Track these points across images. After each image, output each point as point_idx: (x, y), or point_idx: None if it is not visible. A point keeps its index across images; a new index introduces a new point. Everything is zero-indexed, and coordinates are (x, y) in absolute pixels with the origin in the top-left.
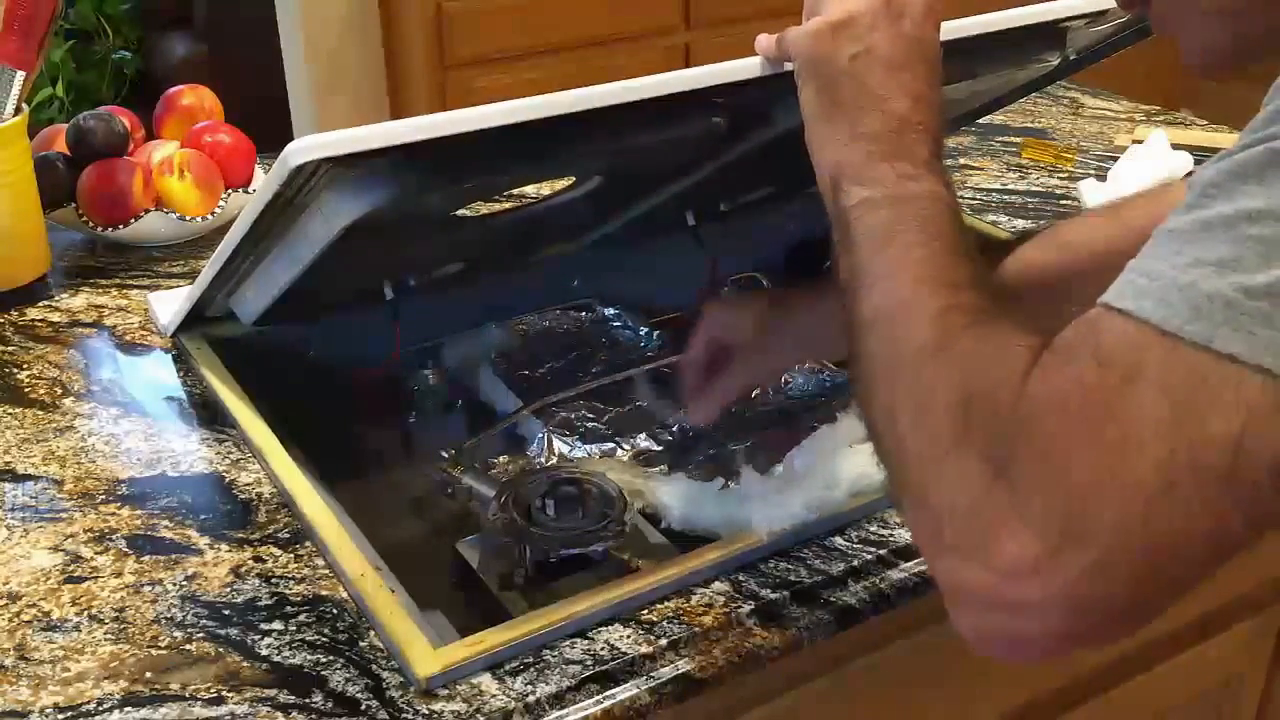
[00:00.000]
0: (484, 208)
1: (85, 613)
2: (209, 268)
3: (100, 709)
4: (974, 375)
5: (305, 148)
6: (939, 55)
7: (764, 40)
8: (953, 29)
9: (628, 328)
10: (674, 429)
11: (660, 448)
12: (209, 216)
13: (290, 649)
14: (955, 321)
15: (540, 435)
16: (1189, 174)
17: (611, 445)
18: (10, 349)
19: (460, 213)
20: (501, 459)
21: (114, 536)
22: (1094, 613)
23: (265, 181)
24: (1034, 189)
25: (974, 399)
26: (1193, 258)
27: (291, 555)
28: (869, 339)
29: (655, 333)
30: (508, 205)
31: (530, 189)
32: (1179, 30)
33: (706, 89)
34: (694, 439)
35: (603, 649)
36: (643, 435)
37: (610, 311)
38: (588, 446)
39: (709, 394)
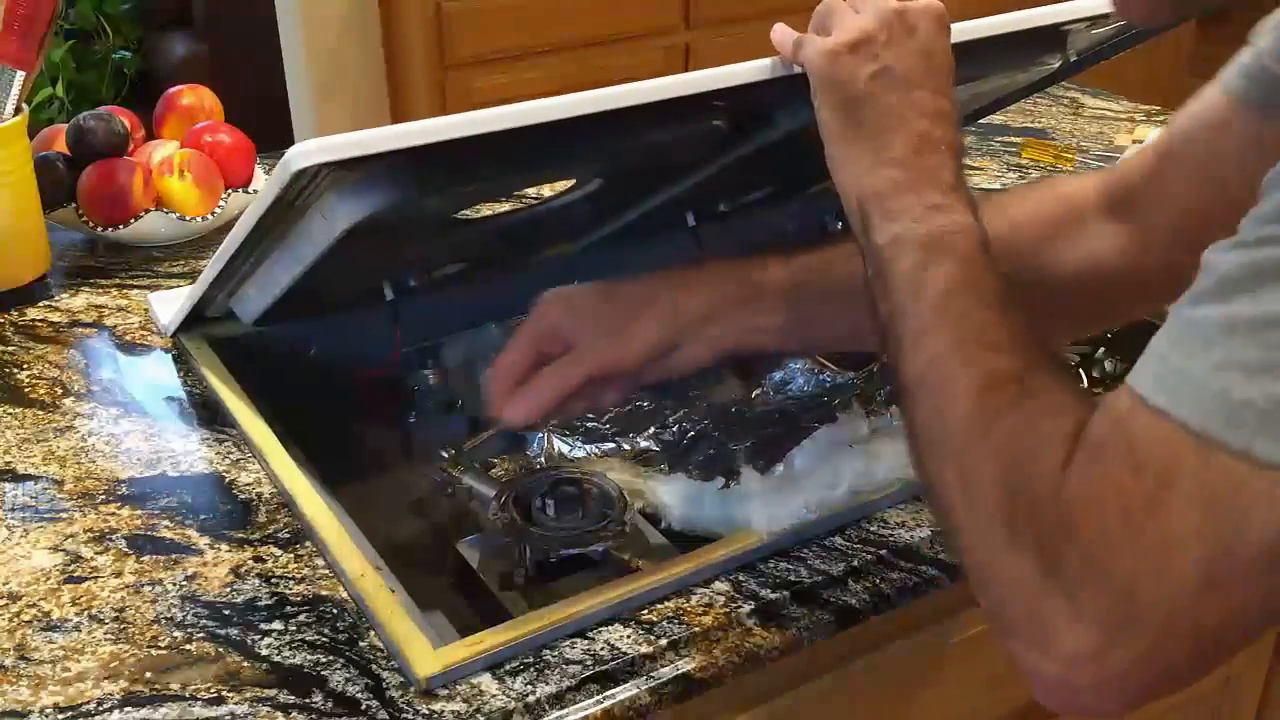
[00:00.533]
0: (484, 209)
1: (85, 613)
2: (210, 268)
3: (100, 709)
4: (1015, 469)
5: (307, 152)
6: (952, 67)
7: (781, 35)
8: (955, 33)
9: None
10: (674, 429)
11: (660, 448)
12: (209, 216)
13: (290, 649)
14: (993, 402)
15: (540, 435)
16: None
17: (611, 445)
18: (10, 349)
19: (461, 214)
20: (501, 459)
21: (114, 536)
22: (1151, 689)
23: (267, 185)
24: None
25: (1018, 496)
26: (1220, 359)
27: (291, 555)
28: (914, 407)
29: None
30: (508, 207)
31: (531, 190)
32: None
33: (708, 93)
34: (694, 439)
35: (603, 649)
36: (643, 435)
37: None
38: (588, 446)
39: (527, 389)
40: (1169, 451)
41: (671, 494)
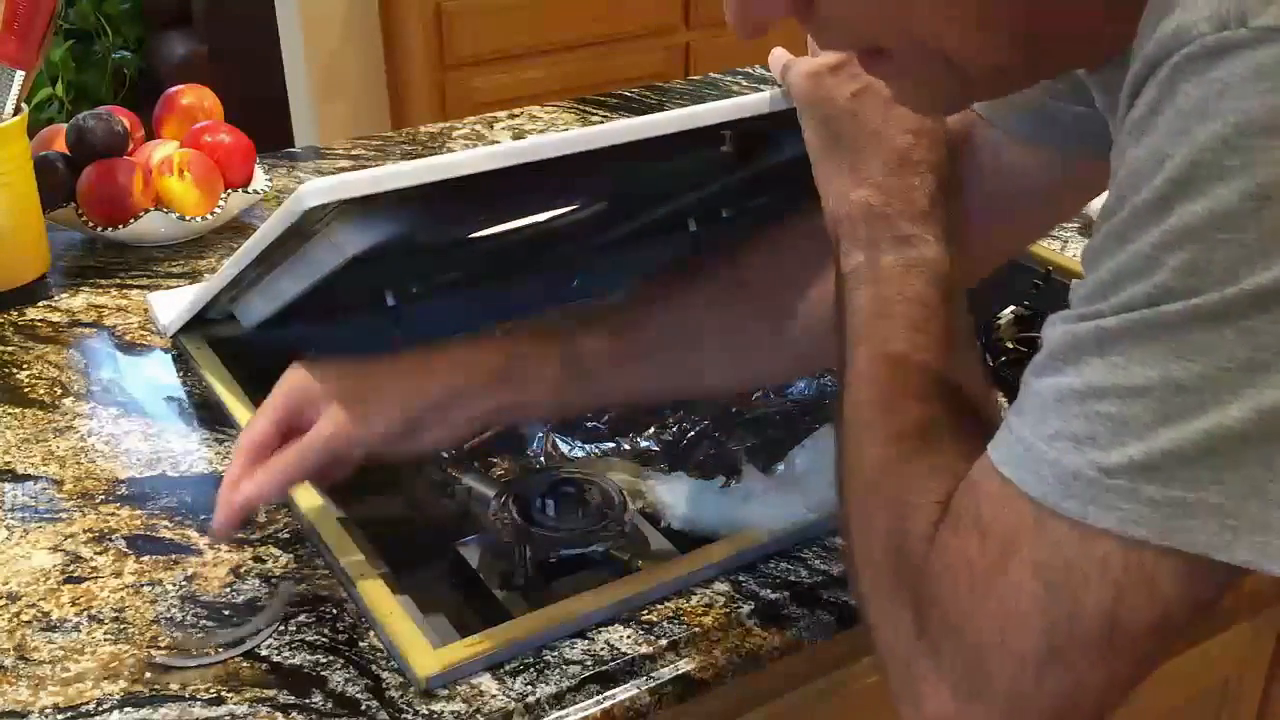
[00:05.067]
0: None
1: (85, 613)
2: (213, 282)
3: (100, 709)
4: (898, 526)
5: (319, 190)
6: None
7: (775, 59)
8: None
9: None
10: (674, 429)
11: (660, 448)
12: (209, 216)
13: (290, 649)
14: (895, 453)
15: (540, 435)
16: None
17: (611, 445)
18: (10, 349)
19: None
20: (501, 459)
21: (114, 536)
22: None
23: (276, 217)
24: None
25: (899, 553)
26: (1054, 430)
27: (291, 555)
28: (839, 442)
29: None
30: (513, 225)
31: None
32: (969, 80)
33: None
34: (695, 439)
35: (603, 649)
36: (643, 435)
37: None
38: (588, 446)
39: (263, 468)
40: (1012, 520)
41: (671, 494)
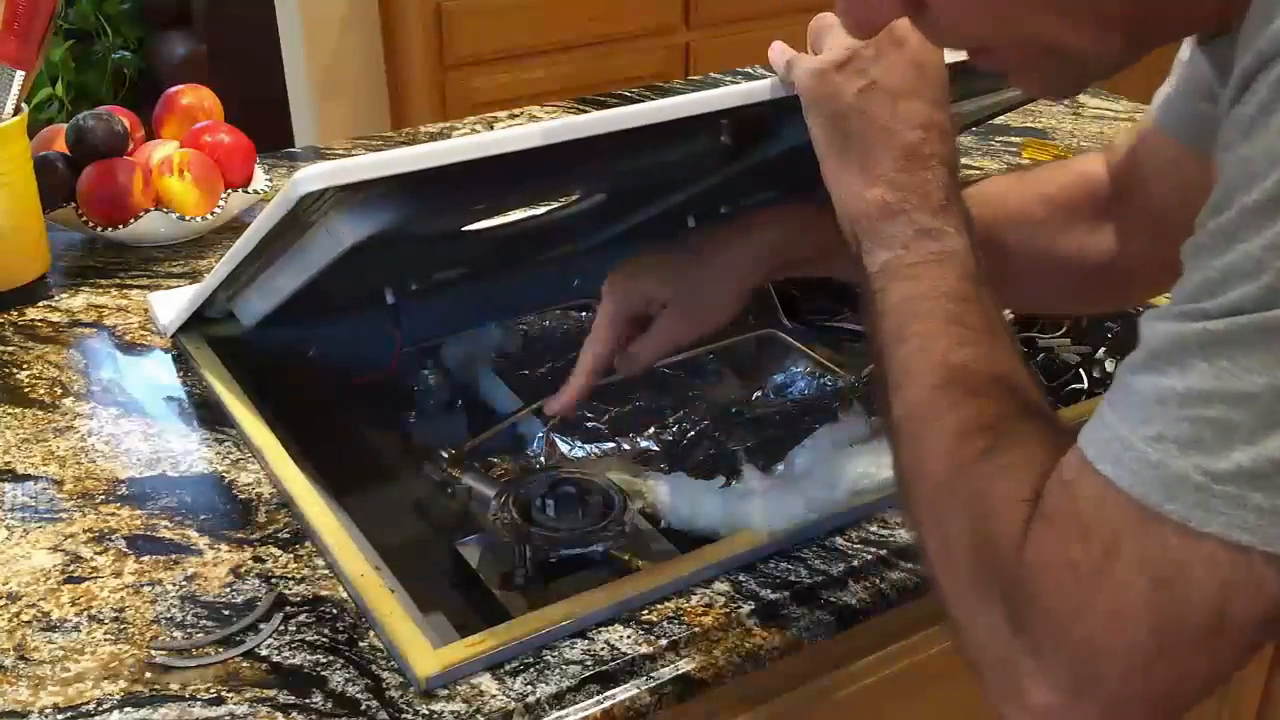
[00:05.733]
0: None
1: (85, 613)
2: (211, 278)
3: (100, 709)
4: (981, 528)
5: (314, 175)
6: (945, 77)
7: (777, 55)
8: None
9: None
10: (674, 429)
11: (660, 448)
12: (209, 216)
13: (290, 649)
14: (964, 453)
15: (540, 435)
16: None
17: (611, 445)
18: (10, 349)
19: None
20: (501, 459)
21: (114, 536)
22: None
23: (273, 205)
24: None
25: (985, 554)
26: (1157, 432)
27: (291, 555)
28: (896, 449)
29: None
30: (511, 215)
31: None
32: (1075, 66)
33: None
34: (695, 439)
35: (603, 649)
36: (643, 435)
37: None
38: (588, 446)
39: (626, 357)
40: (1114, 520)
41: (672, 493)
